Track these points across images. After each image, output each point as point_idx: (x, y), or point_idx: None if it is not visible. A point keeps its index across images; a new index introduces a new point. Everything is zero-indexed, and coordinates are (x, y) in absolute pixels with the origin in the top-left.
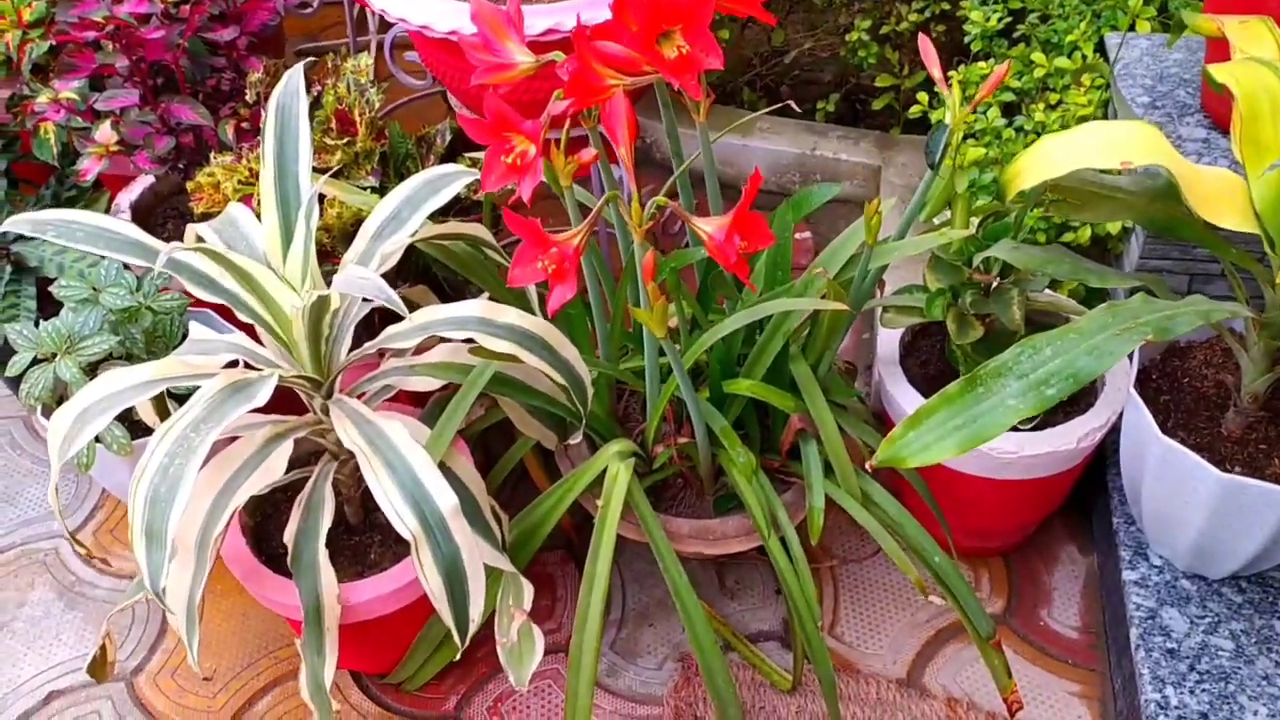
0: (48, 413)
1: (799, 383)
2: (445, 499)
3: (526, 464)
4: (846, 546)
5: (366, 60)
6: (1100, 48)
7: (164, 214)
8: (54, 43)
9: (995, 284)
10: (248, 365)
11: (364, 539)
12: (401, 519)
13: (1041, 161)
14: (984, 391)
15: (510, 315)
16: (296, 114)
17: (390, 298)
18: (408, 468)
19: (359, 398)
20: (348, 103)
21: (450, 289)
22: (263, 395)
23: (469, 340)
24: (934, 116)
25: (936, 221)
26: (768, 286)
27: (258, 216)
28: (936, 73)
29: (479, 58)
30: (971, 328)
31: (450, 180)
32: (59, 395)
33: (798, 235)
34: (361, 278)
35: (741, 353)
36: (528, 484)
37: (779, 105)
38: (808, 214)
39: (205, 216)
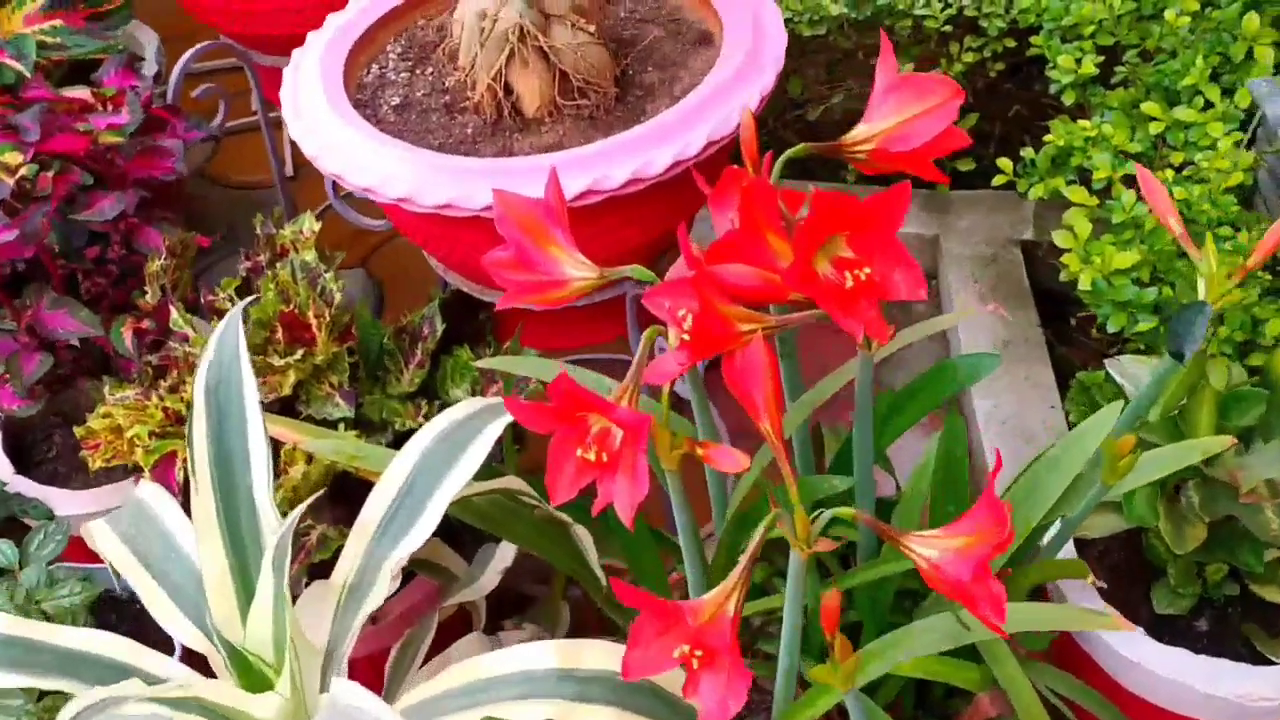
0: None
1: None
2: None
3: None
4: None
5: (311, 225)
6: (1231, 92)
7: (48, 426)
8: None
9: None
10: None
11: None
12: None
13: None
14: None
15: (595, 653)
16: (240, 392)
17: None
18: None
19: None
20: (297, 301)
21: (470, 537)
22: None
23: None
24: (1020, 186)
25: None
26: (936, 525)
27: (182, 491)
28: (1176, 226)
29: (511, 277)
30: (1193, 527)
31: (477, 429)
32: None
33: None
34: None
35: (904, 586)
36: None
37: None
38: None
39: (104, 473)
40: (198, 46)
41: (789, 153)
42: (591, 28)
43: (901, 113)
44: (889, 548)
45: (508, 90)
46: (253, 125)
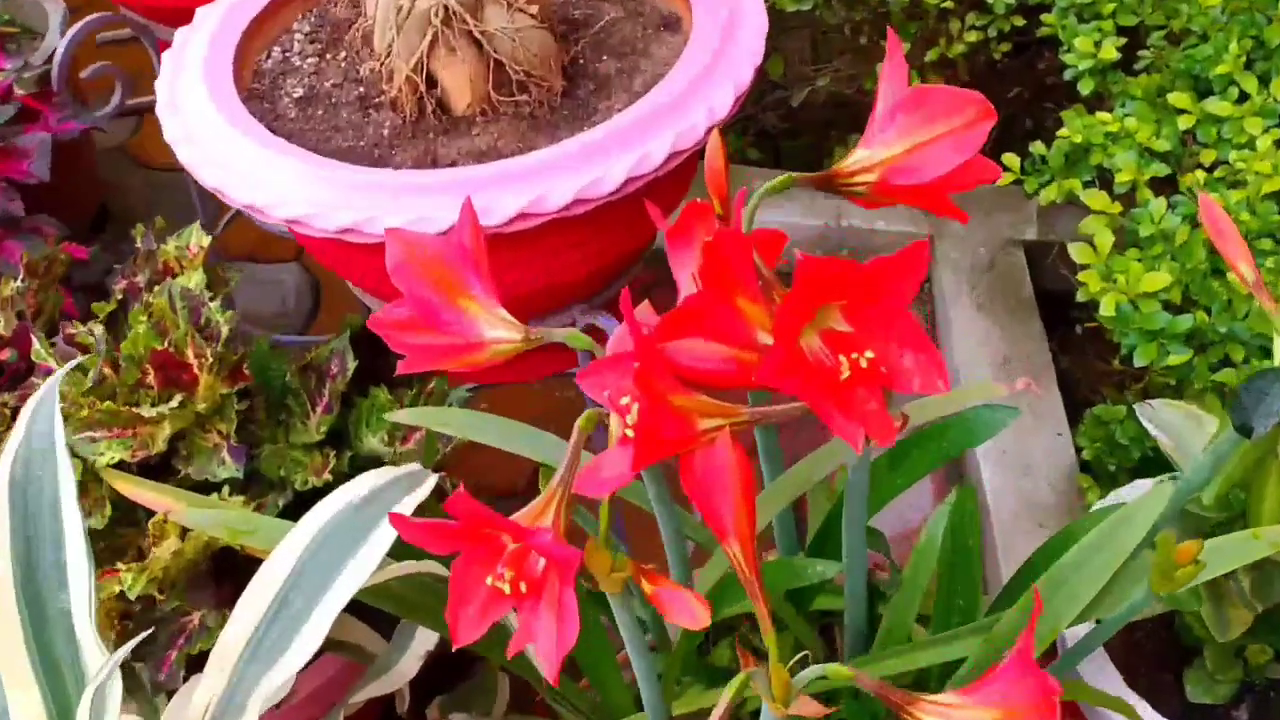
0: None
1: None
2: None
3: None
4: None
5: (199, 239)
6: (1268, 80)
7: None
8: None
9: None
10: None
11: None
12: None
13: None
14: None
15: None
16: (55, 492)
17: None
18: None
19: None
20: (174, 337)
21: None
22: None
23: None
24: (1029, 186)
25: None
26: (942, 622)
27: None
28: (1247, 271)
29: (410, 341)
30: (1239, 612)
31: (379, 513)
32: None
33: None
34: None
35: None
36: None
37: None
38: None
39: None
40: (86, 20)
41: (767, 187)
42: (534, 9)
43: (912, 136)
44: (885, 637)
45: (431, 83)
46: None
